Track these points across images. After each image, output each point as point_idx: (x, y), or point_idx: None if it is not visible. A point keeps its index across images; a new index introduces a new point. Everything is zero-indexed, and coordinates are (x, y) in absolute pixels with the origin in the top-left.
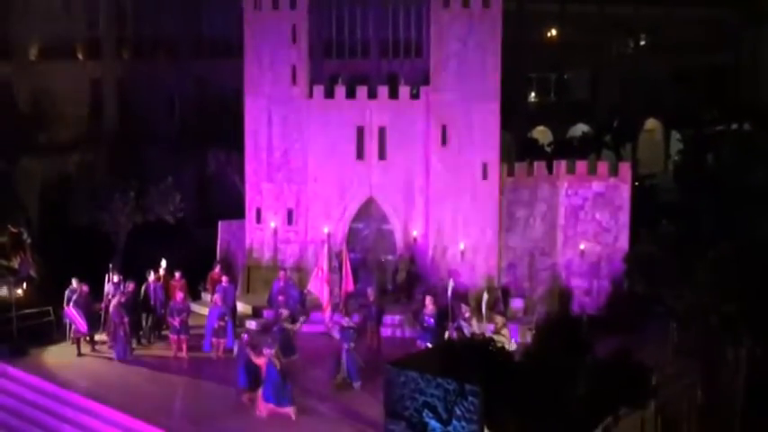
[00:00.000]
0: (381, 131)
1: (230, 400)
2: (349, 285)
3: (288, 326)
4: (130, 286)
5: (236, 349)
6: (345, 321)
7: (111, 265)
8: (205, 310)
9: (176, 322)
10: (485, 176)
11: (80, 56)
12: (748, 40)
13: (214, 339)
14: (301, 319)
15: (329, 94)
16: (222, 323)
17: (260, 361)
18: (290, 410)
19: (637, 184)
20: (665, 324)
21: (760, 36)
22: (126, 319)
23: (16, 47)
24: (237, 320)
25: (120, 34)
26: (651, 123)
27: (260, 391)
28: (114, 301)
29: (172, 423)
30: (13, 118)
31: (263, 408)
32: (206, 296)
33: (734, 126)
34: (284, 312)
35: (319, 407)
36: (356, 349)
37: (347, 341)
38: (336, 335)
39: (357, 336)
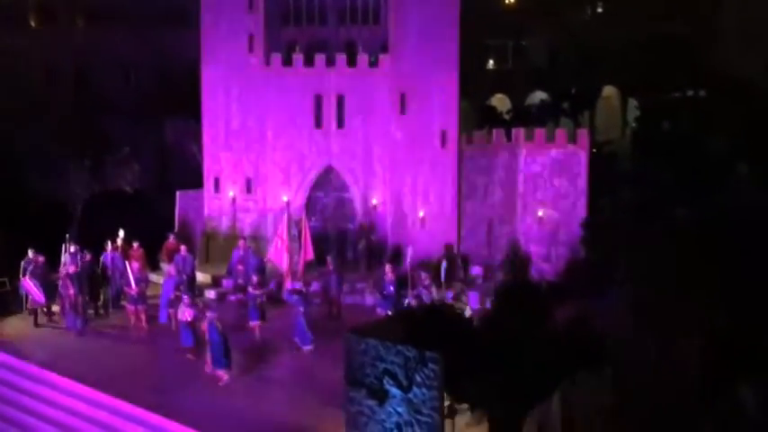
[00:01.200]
0: (340, 99)
1: (188, 369)
2: (309, 254)
3: (256, 291)
4: (87, 257)
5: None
6: (300, 287)
7: (67, 236)
8: (160, 280)
9: (133, 292)
10: (444, 144)
11: (32, 23)
12: (705, 8)
13: (171, 310)
14: (271, 284)
15: (287, 61)
16: (178, 293)
17: (204, 325)
18: (222, 374)
19: (594, 150)
20: (622, 290)
21: (716, 5)
22: (71, 291)
23: None
24: (197, 290)
25: (75, 0)
26: (608, 90)
27: (208, 359)
28: (62, 272)
29: (131, 392)
30: None
31: (221, 376)
32: (165, 267)
33: (690, 93)
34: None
35: (279, 374)
36: (318, 317)
37: (300, 305)
38: (291, 300)
39: (318, 303)
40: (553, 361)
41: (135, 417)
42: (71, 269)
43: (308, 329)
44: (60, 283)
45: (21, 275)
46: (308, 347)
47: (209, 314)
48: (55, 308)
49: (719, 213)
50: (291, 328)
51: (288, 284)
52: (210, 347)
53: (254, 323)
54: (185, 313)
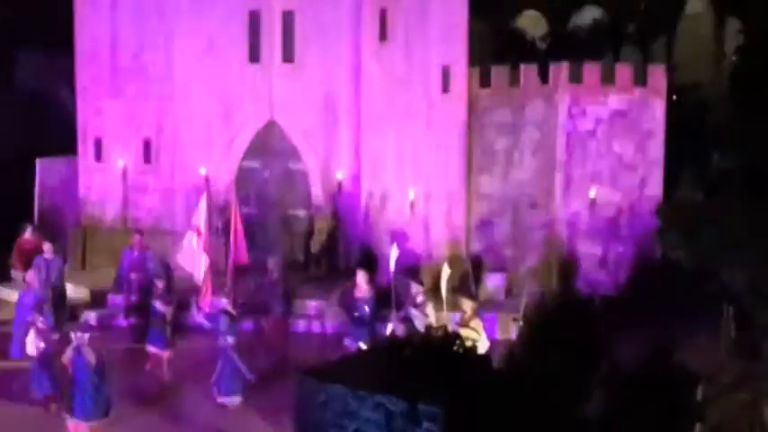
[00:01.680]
0: (287, 19)
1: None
2: (241, 255)
3: (163, 307)
4: None
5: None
6: (227, 305)
7: None
8: (14, 296)
9: None
10: (445, 89)
11: None
12: None
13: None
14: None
15: None
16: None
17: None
18: (83, 427)
19: (675, 98)
20: (718, 310)
21: None
22: None
23: None
24: (68, 311)
25: None
26: (696, 5)
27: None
28: None
29: None
30: None
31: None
32: (17, 275)
33: None
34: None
35: None
36: (253, 352)
37: (228, 335)
38: (212, 325)
39: (252, 331)
40: (616, 416)
41: None
42: None
43: (237, 372)
44: None
45: None
46: (235, 399)
47: (76, 335)
48: None
49: None
50: (212, 369)
51: (205, 302)
52: (73, 389)
53: (158, 351)
54: (37, 345)
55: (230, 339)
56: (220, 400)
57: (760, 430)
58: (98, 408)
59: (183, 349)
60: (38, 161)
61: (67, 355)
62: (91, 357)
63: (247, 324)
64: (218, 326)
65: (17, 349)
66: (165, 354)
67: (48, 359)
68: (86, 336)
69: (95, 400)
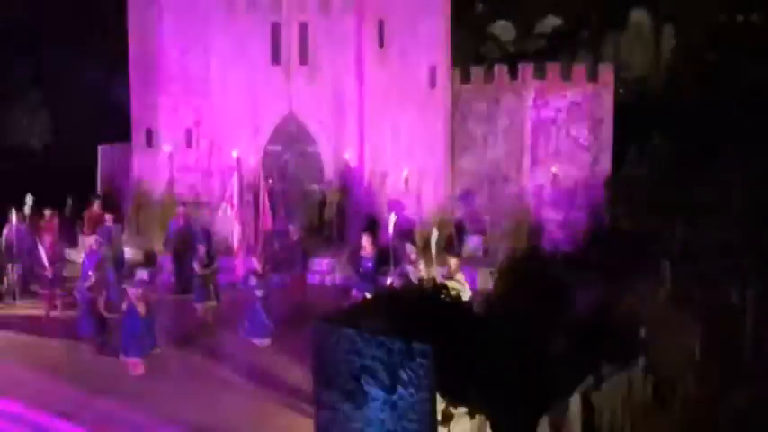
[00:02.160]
0: (303, 29)
1: (118, 369)
2: (266, 223)
3: (203, 270)
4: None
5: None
6: (256, 264)
7: None
8: (81, 257)
9: (47, 273)
10: (432, 84)
11: None
12: None
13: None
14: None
15: None
16: (101, 272)
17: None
18: (136, 362)
19: (621, 91)
20: (656, 265)
21: None
22: None
23: None
24: (125, 269)
25: None
26: (638, 15)
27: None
28: None
29: (44, 399)
30: None
31: (134, 365)
32: (83, 240)
33: (740, 18)
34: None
35: (231, 374)
36: (278, 303)
37: (257, 289)
38: (243, 282)
39: (277, 285)
40: (573, 354)
41: (46, 427)
42: None
43: (266, 319)
44: None
45: None
46: (264, 341)
47: (130, 291)
48: None
49: None
50: (244, 318)
51: (238, 262)
52: (124, 332)
53: (199, 304)
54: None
55: (259, 293)
56: (250, 338)
57: (692, 363)
58: (144, 348)
59: (221, 301)
60: (99, 147)
61: (123, 305)
62: (141, 307)
63: (273, 279)
64: (249, 282)
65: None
66: (205, 305)
67: (102, 307)
68: (140, 290)
69: (143, 341)
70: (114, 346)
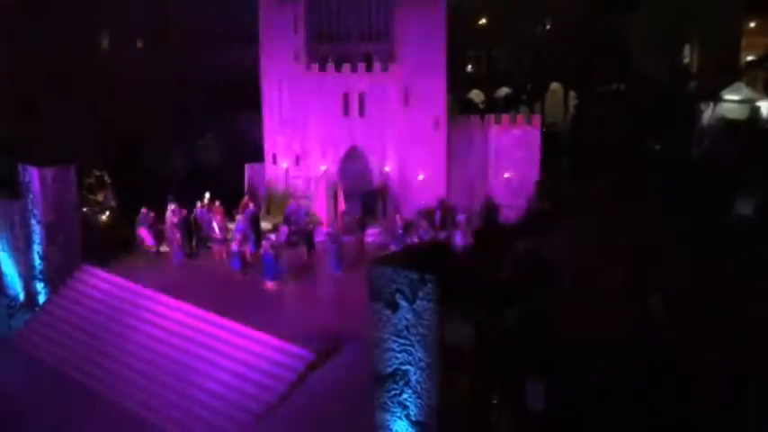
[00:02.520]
0: (361, 96)
1: (251, 288)
2: (341, 207)
3: (310, 227)
4: (184, 212)
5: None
6: (331, 229)
7: (170, 197)
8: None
9: (217, 236)
10: (436, 127)
11: (139, 44)
12: (621, 24)
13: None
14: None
15: (322, 68)
16: (244, 235)
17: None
18: (271, 283)
19: (544, 130)
20: (564, 230)
21: (629, 21)
22: (178, 235)
23: (94, 39)
24: (261, 234)
25: (171, 29)
26: (555, 86)
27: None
28: (168, 222)
29: (215, 304)
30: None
31: (269, 284)
32: (237, 217)
33: (613, 87)
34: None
35: (320, 291)
36: (348, 252)
37: (332, 242)
38: (325, 240)
39: (346, 242)
40: (515, 279)
41: (217, 323)
42: (175, 220)
43: (338, 260)
44: (168, 230)
45: (137, 226)
46: (338, 272)
47: (265, 242)
48: (162, 249)
49: (632, 174)
50: (327, 261)
51: (324, 229)
52: (265, 267)
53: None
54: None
55: (334, 247)
56: (331, 272)
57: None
58: (276, 275)
59: (314, 250)
60: (246, 165)
61: (261, 251)
62: (272, 252)
63: (344, 239)
64: (329, 239)
65: (236, 262)
66: (307, 254)
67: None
68: (270, 244)
69: (274, 272)
70: (253, 274)
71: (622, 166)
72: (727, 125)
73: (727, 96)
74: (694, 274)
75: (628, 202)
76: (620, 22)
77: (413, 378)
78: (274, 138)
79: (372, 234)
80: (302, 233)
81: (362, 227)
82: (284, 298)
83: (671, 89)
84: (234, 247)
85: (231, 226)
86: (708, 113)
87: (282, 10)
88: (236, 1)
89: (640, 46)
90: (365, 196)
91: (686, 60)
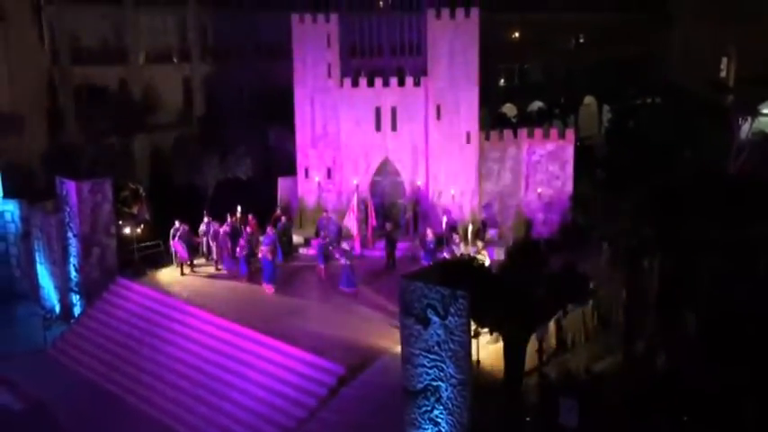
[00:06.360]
0: (393, 110)
1: (284, 302)
2: (373, 221)
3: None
4: (231, 221)
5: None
6: (347, 245)
7: (204, 211)
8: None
9: (244, 248)
10: (468, 141)
11: (175, 60)
12: (658, 36)
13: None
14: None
15: (355, 83)
16: (272, 247)
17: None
18: (270, 287)
19: (578, 144)
20: (599, 245)
21: (665, 33)
22: (229, 244)
23: (129, 55)
24: (293, 247)
25: (203, 43)
26: (588, 99)
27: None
28: (221, 233)
29: (249, 322)
30: (129, 107)
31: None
32: (269, 231)
33: (648, 100)
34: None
35: (354, 305)
36: (379, 267)
37: (346, 259)
38: (339, 257)
39: (379, 257)
40: (549, 296)
41: (250, 337)
42: (228, 229)
43: (351, 278)
44: (221, 239)
45: (171, 239)
46: (352, 289)
47: (262, 248)
48: (195, 261)
49: (669, 188)
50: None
51: (356, 243)
52: (264, 271)
53: (320, 265)
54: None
55: (347, 264)
56: (342, 288)
57: (621, 303)
58: (273, 278)
59: (331, 265)
60: (279, 179)
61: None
62: (269, 257)
63: (377, 253)
64: (344, 256)
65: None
66: (322, 267)
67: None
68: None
69: (272, 276)
70: (285, 289)
71: (658, 180)
72: (765, 139)
73: (765, 111)
74: (728, 290)
75: (662, 215)
76: (656, 33)
77: (444, 395)
78: (306, 152)
79: (404, 248)
80: (320, 247)
81: (394, 241)
82: (322, 313)
83: (708, 102)
84: (260, 254)
85: (262, 239)
86: (745, 127)
87: (315, 26)
88: (268, 16)
89: (677, 59)
90: (397, 210)
91: (723, 74)
